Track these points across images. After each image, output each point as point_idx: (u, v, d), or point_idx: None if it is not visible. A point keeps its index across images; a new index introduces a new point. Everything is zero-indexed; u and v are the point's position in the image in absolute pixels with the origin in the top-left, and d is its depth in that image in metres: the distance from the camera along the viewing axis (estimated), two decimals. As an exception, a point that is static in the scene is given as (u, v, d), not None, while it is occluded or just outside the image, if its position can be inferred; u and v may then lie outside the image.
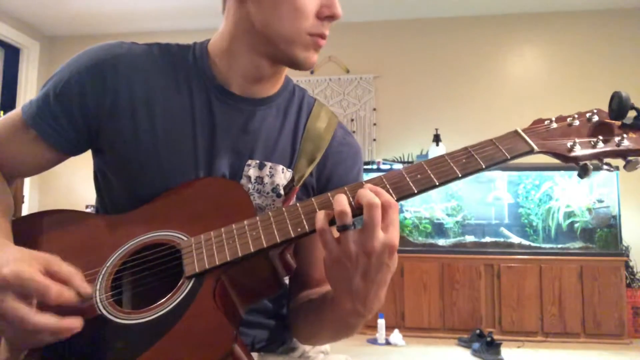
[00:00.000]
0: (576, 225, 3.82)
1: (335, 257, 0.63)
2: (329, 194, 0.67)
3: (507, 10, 4.38)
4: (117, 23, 4.70)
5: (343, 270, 0.63)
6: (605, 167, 0.68)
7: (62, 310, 0.61)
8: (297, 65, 0.81)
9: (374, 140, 4.50)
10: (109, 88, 0.79)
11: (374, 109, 4.54)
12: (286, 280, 0.88)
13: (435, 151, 4.02)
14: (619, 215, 3.71)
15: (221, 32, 0.84)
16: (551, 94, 4.27)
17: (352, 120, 4.54)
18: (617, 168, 0.72)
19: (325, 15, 0.77)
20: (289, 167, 0.85)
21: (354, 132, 4.46)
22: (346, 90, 4.59)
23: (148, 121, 0.79)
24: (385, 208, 0.62)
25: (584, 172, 0.68)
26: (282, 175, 0.84)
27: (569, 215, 3.84)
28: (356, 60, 4.58)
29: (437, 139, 4.06)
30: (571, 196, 3.82)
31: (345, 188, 0.66)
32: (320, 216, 0.63)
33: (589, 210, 3.79)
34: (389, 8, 4.40)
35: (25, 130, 0.81)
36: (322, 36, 0.78)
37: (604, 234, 3.74)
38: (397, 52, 4.56)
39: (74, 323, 0.61)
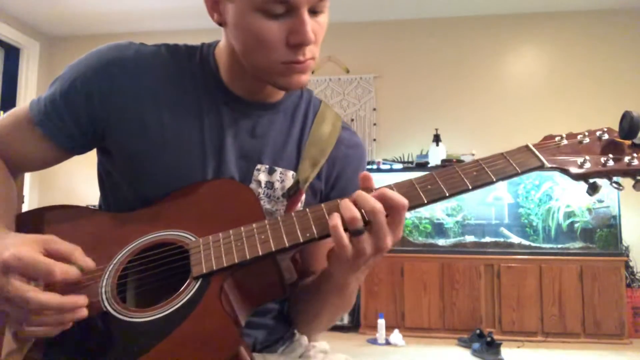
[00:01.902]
0: (576, 225, 3.82)
1: (348, 256, 0.64)
2: (338, 200, 0.67)
3: (507, 10, 4.38)
4: (117, 23, 4.69)
5: (352, 264, 0.66)
6: (614, 185, 0.68)
7: (66, 292, 0.63)
8: (282, 89, 0.80)
9: (374, 140, 4.50)
10: (116, 89, 0.79)
11: (374, 109, 4.54)
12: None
13: (435, 151, 4.02)
14: (619, 215, 3.71)
15: (221, 45, 0.84)
16: (551, 94, 4.28)
17: (352, 120, 4.54)
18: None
19: (293, 43, 0.71)
20: (295, 171, 0.85)
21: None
22: (346, 90, 4.59)
23: (156, 123, 0.79)
24: (394, 211, 0.63)
25: (592, 190, 0.68)
26: (293, 181, 0.84)
27: (569, 215, 3.84)
28: (356, 60, 4.58)
29: (437, 139, 4.06)
30: (571, 196, 3.83)
31: (354, 195, 0.67)
32: (336, 222, 0.63)
33: (589, 210, 3.79)
34: (389, 8, 4.40)
35: (32, 128, 0.81)
36: (297, 62, 0.73)
37: (604, 234, 3.74)
38: (397, 52, 4.56)
39: (79, 299, 0.62)
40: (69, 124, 0.80)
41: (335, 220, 0.63)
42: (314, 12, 0.72)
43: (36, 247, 0.63)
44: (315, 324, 0.86)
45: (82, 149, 0.84)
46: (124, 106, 0.79)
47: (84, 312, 0.63)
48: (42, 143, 0.81)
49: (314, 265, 0.86)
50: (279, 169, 0.83)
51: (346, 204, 0.64)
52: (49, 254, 0.64)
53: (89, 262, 0.66)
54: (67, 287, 0.64)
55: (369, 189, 0.67)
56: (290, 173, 0.84)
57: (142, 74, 0.80)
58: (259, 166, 0.82)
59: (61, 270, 0.62)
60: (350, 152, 0.89)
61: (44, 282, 0.63)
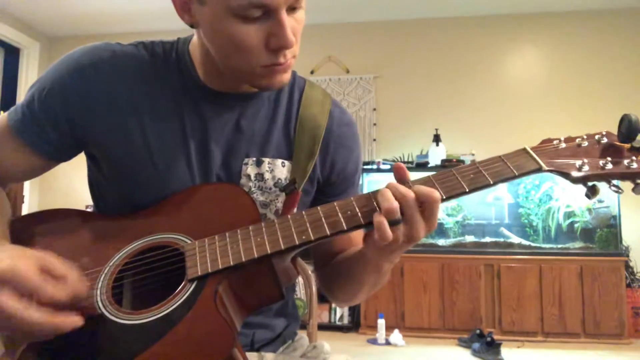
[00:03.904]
0: (576, 225, 3.82)
1: (386, 245, 0.65)
2: (335, 204, 0.68)
3: (507, 10, 4.37)
4: (117, 23, 4.69)
5: (386, 250, 0.67)
6: (613, 188, 0.68)
7: (61, 305, 0.61)
8: (263, 90, 0.79)
9: (374, 140, 4.49)
10: (93, 93, 0.77)
11: (374, 109, 4.54)
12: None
13: (435, 151, 4.02)
14: (619, 215, 3.71)
15: (194, 42, 0.82)
16: (551, 94, 4.28)
17: (352, 120, 4.54)
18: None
19: (274, 47, 0.69)
20: (288, 159, 0.83)
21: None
22: (346, 90, 4.59)
23: (136, 127, 0.78)
24: (430, 203, 0.64)
25: (592, 193, 0.68)
26: (284, 169, 0.83)
27: (569, 215, 3.84)
28: (356, 60, 4.58)
29: (437, 139, 4.06)
30: (571, 196, 3.82)
31: (353, 198, 0.68)
32: (382, 220, 0.64)
33: (589, 210, 3.79)
34: (389, 8, 4.40)
35: (12, 138, 0.79)
36: (278, 64, 0.71)
37: (604, 234, 3.74)
38: (397, 52, 4.56)
39: (68, 320, 0.61)
40: (47, 130, 0.78)
41: (381, 217, 0.63)
42: (292, 8, 0.69)
43: (34, 262, 0.62)
44: (353, 301, 0.87)
45: (65, 156, 0.83)
46: (102, 110, 0.78)
47: (78, 322, 0.62)
48: (23, 152, 0.79)
49: (331, 247, 0.87)
50: (266, 159, 0.82)
51: (386, 194, 0.64)
52: (45, 272, 0.62)
53: (82, 288, 0.64)
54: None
55: (403, 180, 0.67)
56: (279, 161, 0.82)
57: (118, 77, 0.78)
58: (246, 160, 0.81)
59: (49, 291, 0.60)
60: (343, 131, 0.88)
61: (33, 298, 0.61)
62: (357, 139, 0.91)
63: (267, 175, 0.81)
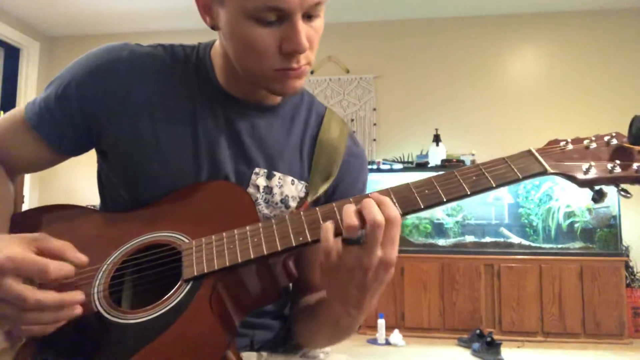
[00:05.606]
0: (576, 225, 3.82)
1: (333, 267, 0.62)
2: (334, 204, 0.66)
3: (507, 10, 4.37)
4: (117, 23, 4.69)
5: (339, 280, 0.64)
6: (621, 193, 0.65)
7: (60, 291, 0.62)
8: (276, 95, 0.80)
9: (374, 140, 4.49)
10: (109, 92, 0.79)
11: (374, 109, 4.54)
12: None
13: (435, 151, 4.02)
14: (619, 215, 3.71)
15: (217, 46, 0.83)
16: (551, 94, 4.28)
17: (352, 120, 4.54)
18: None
19: (287, 52, 0.69)
20: (299, 179, 0.84)
21: (354, 132, 4.46)
22: (346, 90, 4.59)
23: (149, 125, 0.79)
24: (387, 225, 0.60)
25: (599, 197, 0.65)
26: (293, 187, 0.83)
27: (569, 215, 3.84)
28: (356, 60, 4.58)
29: (437, 139, 4.06)
30: (571, 196, 3.82)
31: (351, 199, 0.65)
32: (328, 227, 0.62)
33: (589, 210, 3.79)
34: (389, 8, 4.40)
35: (27, 131, 0.81)
36: (291, 69, 0.71)
37: (604, 234, 3.74)
38: (397, 52, 4.56)
39: (77, 295, 0.62)
40: (63, 126, 0.80)
41: (329, 225, 0.62)
42: (308, 16, 0.70)
43: (28, 246, 0.62)
44: (313, 344, 0.86)
45: (77, 151, 0.84)
46: (116, 109, 0.79)
47: (78, 310, 0.63)
48: (37, 145, 0.81)
49: (311, 276, 0.85)
50: (277, 174, 0.82)
51: (349, 210, 0.61)
52: (41, 252, 0.63)
53: (81, 258, 0.65)
54: (61, 286, 0.63)
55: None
56: (289, 178, 0.83)
57: (135, 77, 0.80)
58: (257, 170, 0.81)
59: (54, 267, 0.61)
60: (351, 160, 0.88)
61: (38, 280, 0.62)
62: (365, 170, 0.92)
63: (276, 190, 0.81)
